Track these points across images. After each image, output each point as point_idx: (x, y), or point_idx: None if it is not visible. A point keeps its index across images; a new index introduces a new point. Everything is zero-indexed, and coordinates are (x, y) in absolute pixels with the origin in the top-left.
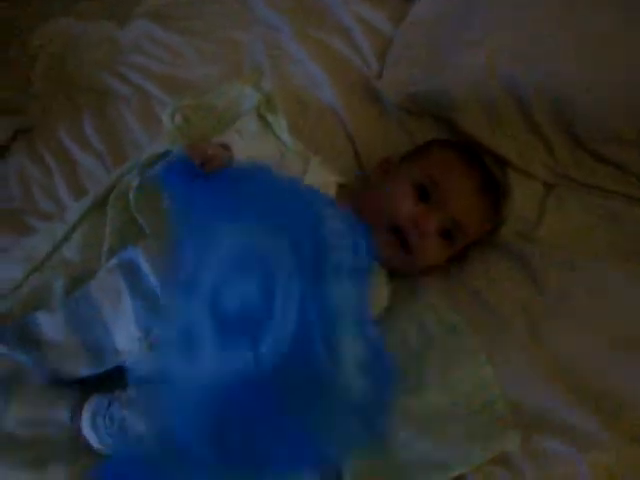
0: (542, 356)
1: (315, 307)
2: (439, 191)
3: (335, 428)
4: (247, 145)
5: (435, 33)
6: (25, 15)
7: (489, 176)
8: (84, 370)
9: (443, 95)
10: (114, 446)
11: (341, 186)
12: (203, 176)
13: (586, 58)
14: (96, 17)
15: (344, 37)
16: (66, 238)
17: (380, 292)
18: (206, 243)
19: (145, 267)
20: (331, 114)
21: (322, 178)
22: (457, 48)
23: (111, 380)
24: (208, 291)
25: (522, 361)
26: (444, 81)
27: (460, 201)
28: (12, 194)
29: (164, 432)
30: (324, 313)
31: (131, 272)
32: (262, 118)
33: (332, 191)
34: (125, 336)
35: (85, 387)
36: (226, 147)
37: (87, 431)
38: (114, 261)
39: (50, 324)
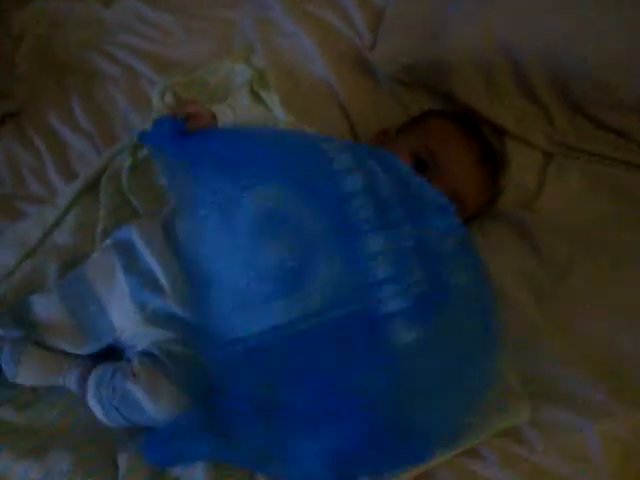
0: (549, 327)
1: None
2: (436, 162)
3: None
4: (240, 118)
5: (429, 2)
6: None
7: (487, 146)
8: (83, 348)
9: (438, 65)
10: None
11: None
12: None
13: (586, 25)
14: None
15: (336, 9)
16: (58, 223)
17: None
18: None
19: (140, 245)
20: (324, 87)
21: None
22: (452, 17)
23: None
24: None
25: (528, 332)
26: (439, 51)
27: (458, 171)
28: (2, 178)
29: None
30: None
31: (126, 251)
32: (254, 94)
33: None
34: (120, 312)
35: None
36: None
37: (93, 403)
38: (108, 241)
39: (45, 305)
